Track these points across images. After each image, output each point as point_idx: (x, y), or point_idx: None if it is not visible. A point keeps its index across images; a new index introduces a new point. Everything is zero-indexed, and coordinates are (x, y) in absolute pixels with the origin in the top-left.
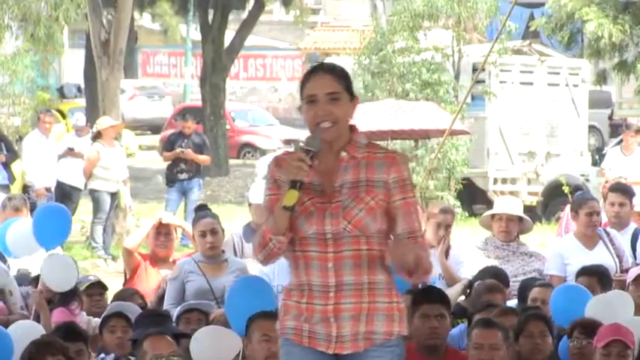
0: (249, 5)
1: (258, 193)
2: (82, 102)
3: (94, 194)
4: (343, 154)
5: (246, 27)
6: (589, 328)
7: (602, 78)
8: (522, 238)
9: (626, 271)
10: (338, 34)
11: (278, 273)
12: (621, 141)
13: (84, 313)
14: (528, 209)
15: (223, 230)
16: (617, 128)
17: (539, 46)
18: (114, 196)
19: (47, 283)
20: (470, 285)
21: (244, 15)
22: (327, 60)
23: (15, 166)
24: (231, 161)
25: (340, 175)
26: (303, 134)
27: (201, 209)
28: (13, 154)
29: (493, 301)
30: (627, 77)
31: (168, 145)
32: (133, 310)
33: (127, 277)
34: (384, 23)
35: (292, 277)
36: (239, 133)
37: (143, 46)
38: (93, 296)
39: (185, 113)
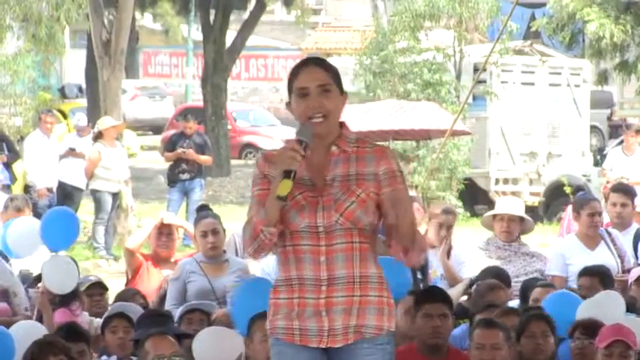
0: (251, 5)
1: None
2: (83, 102)
3: (95, 194)
4: (334, 148)
5: (248, 27)
6: (590, 328)
7: (603, 78)
8: (524, 238)
9: (628, 271)
10: (339, 34)
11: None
12: (622, 141)
13: (85, 314)
14: (530, 209)
15: (224, 230)
16: (616, 129)
17: (541, 46)
18: (115, 196)
19: (48, 285)
20: (471, 285)
21: (246, 15)
22: (329, 60)
23: (16, 167)
24: (233, 161)
25: (331, 168)
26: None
27: (203, 209)
28: (14, 155)
29: (495, 301)
30: (629, 77)
31: (170, 145)
32: (135, 310)
33: (129, 277)
34: (385, 23)
35: (280, 272)
36: (240, 134)
37: (144, 46)
38: (93, 296)
39: (186, 113)
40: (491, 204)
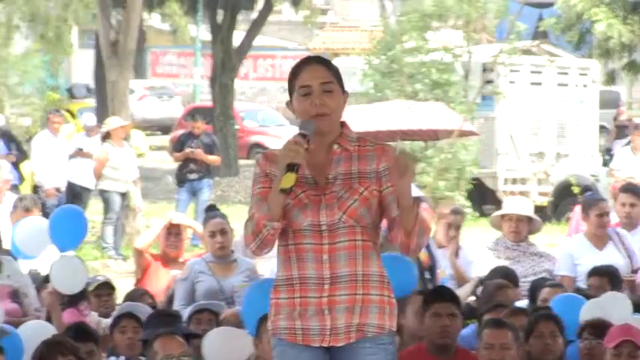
0: (259, 5)
1: None
2: (91, 102)
3: (103, 194)
4: (335, 146)
5: (256, 27)
6: (599, 328)
7: (611, 78)
8: (532, 238)
9: (637, 271)
10: (347, 34)
11: None
12: (630, 141)
13: (94, 314)
14: (539, 210)
15: (233, 230)
16: (622, 129)
17: (549, 46)
18: (124, 196)
19: (56, 286)
20: (479, 284)
21: (253, 15)
22: (337, 60)
23: (24, 167)
24: (241, 161)
25: (333, 167)
26: None
27: (211, 209)
28: (22, 154)
29: (503, 300)
30: (637, 77)
31: (178, 145)
32: (143, 310)
33: (138, 277)
34: (393, 23)
35: (280, 272)
36: (248, 134)
37: (152, 46)
38: (101, 297)
39: (195, 113)
40: (499, 204)
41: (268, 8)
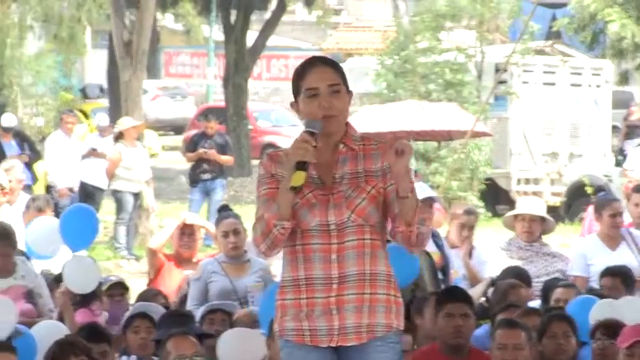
0: (272, 6)
1: None
2: (104, 102)
3: (116, 195)
4: (341, 146)
5: (269, 27)
6: (612, 328)
7: (624, 78)
8: (545, 238)
9: None
10: (360, 34)
11: None
12: None
13: (106, 313)
14: (552, 210)
15: (246, 230)
16: (634, 129)
17: (562, 46)
18: (136, 196)
19: (69, 285)
20: (492, 284)
21: (267, 15)
22: (350, 60)
23: (37, 167)
24: (254, 161)
25: (339, 166)
26: None
27: (224, 210)
28: (35, 155)
29: (515, 300)
30: None
31: (191, 145)
32: (156, 310)
33: (151, 277)
34: (407, 23)
35: (285, 273)
36: (262, 134)
37: (166, 46)
38: (114, 297)
39: (208, 114)
40: (512, 204)
41: (282, 8)
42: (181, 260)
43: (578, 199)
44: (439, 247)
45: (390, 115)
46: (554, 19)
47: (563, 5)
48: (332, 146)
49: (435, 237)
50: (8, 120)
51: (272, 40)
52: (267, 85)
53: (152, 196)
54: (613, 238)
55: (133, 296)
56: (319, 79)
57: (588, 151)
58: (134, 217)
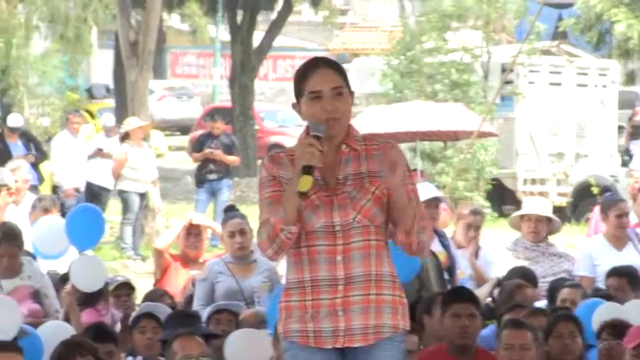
0: (278, 6)
1: None
2: (110, 102)
3: (122, 195)
4: (344, 147)
5: (275, 28)
6: (618, 329)
7: (630, 78)
8: (551, 238)
9: None
10: (367, 34)
11: None
12: None
13: (114, 312)
14: (558, 210)
15: (252, 231)
16: (638, 129)
17: (568, 46)
18: (143, 196)
19: (75, 283)
20: (498, 284)
21: (273, 16)
22: (356, 60)
23: (43, 167)
24: (260, 162)
25: (342, 167)
26: None
27: (230, 210)
28: (41, 155)
29: (521, 300)
30: None
31: (198, 145)
32: (163, 310)
33: (158, 277)
34: (413, 24)
35: (290, 275)
36: (268, 134)
37: (172, 46)
38: (120, 297)
39: (214, 114)
40: (518, 204)
41: (288, 9)
42: (188, 260)
43: (584, 200)
44: (445, 247)
45: (396, 115)
46: (560, 19)
47: (570, 5)
48: (334, 147)
49: (442, 237)
50: (14, 120)
51: (278, 41)
52: (273, 85)
53: (158, 196)
54: (619, 238)
55: (139, 296)
56: (322, 82)
57: (594, 152)
58: (140, 217)
